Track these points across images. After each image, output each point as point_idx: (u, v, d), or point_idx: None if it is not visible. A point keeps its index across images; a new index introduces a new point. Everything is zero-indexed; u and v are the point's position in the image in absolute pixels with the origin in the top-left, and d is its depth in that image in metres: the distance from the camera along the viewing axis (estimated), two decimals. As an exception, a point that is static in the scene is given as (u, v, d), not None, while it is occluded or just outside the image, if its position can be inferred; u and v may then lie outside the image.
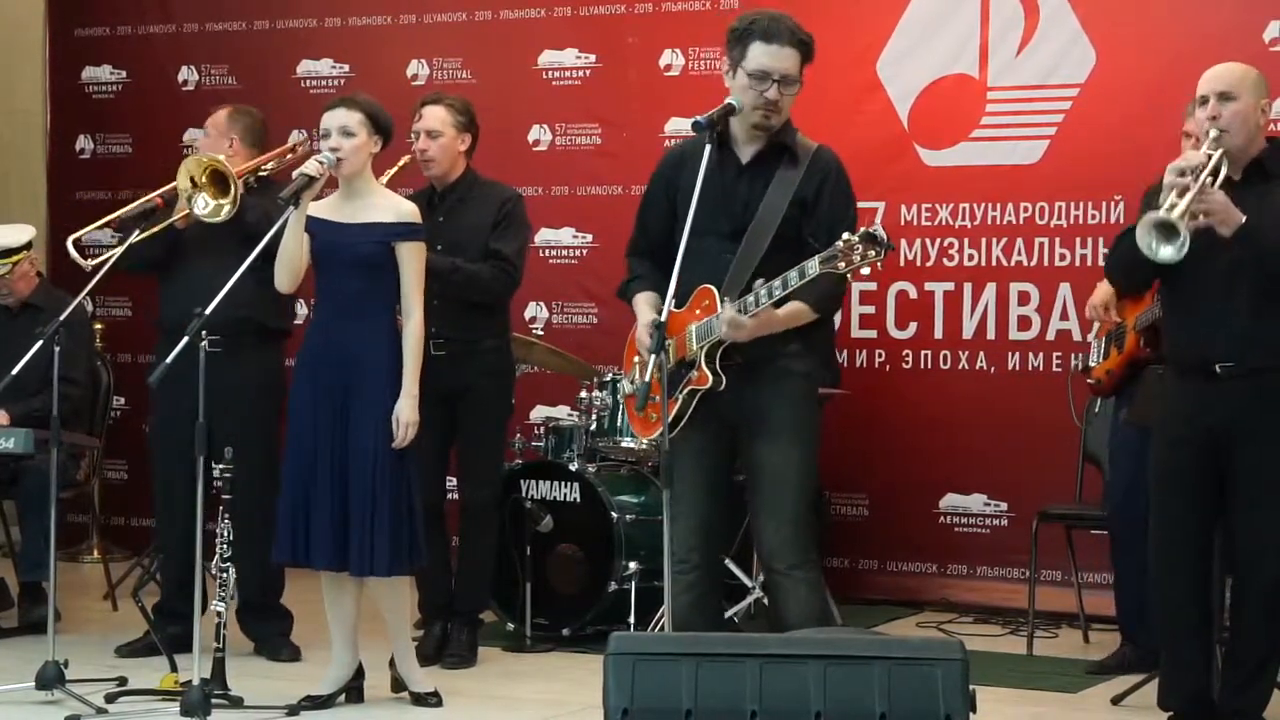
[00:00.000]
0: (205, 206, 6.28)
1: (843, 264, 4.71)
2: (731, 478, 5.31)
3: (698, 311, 5.03)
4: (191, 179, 6.26)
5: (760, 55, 4.98)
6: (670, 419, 5.01)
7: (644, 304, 5.15)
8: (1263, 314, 5.16)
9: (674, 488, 4.76)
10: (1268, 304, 5.16)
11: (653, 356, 4.69)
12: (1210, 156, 5.08)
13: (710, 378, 4.99)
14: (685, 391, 5.03)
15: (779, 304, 4.93)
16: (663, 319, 4.75)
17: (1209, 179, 5.02)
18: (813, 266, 4.76)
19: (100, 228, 6.73)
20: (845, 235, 4.71)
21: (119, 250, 6.37)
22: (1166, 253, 4.94)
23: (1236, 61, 5.33)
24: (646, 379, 4.68)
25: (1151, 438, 5.56)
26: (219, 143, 6.68)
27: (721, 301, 4.95)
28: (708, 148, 4.93)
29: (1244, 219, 5.04)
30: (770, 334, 4.96)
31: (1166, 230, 4.94)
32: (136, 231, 6.42)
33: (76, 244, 6.52)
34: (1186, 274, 5.11)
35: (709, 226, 5.00)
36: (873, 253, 4.67)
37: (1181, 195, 4.99)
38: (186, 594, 5.76)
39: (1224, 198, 5.04)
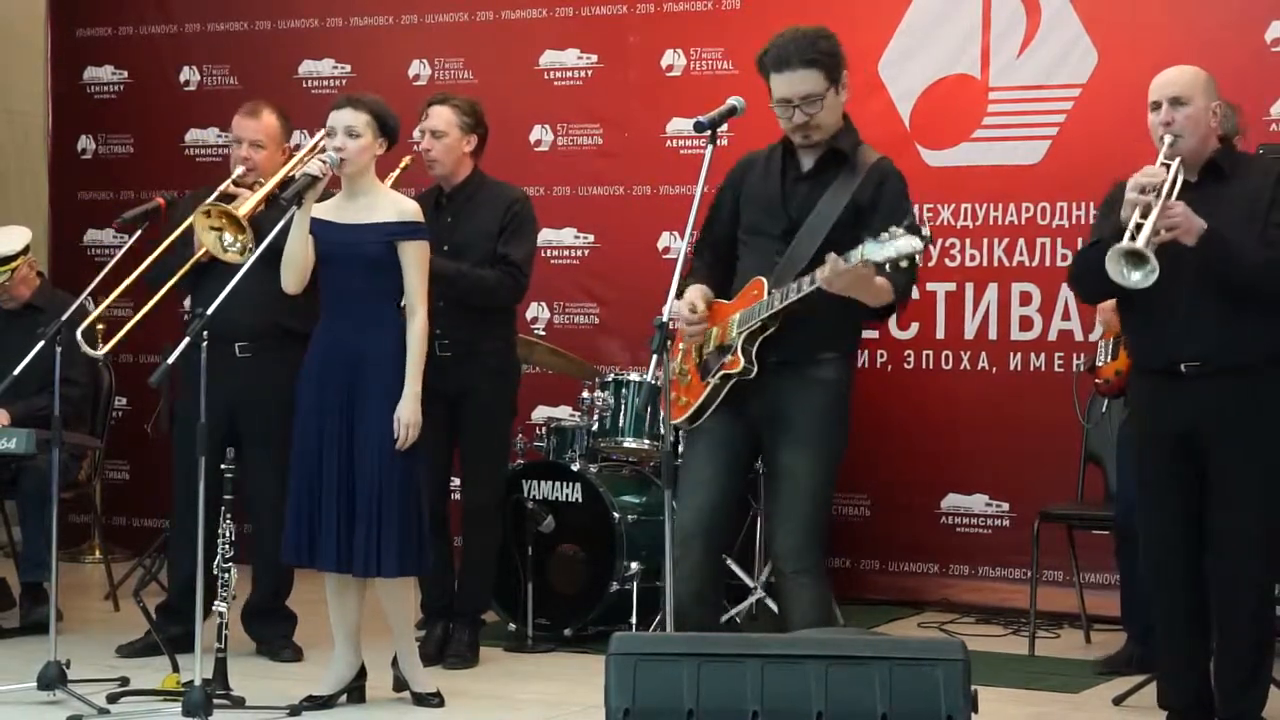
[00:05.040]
0: (234, 243, 6.23)
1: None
2: (746, 474, 5.34)
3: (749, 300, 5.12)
4: (213, 229, 6.22)
5: (777, 85, 5.11)
6: (700, 402, 5.12)
7: (693, 291, 5.23)
8: (1228, 314, 5.15)
9: (687, 472, 4.80)
10: (1233, 305, 5.15)
11: (654, 356, 4.73)
12: (1169, 167, 5.11)
13: (742, 361, 5.04)
14: (719, 376, 5.09)
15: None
16: (664, 319, 4.78)
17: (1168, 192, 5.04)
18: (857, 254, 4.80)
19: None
20: (892, 227, 4.77)
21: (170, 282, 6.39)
22: (1137, 278, 4.98)
23: (1188, 65, 5.36)
24: (647, 378, 4.74)
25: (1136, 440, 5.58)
26: (275, 155, 6.61)
27: (769, 292, 5.01)
28: (767, 149, 5.14)
29: (1205, 226, 5.05)
30: (807, 336, 5.02)
31: (1136, 258, 4.96)
32: (138, 231, 6.41)
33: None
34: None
35: (762, 226, 5.15)
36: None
37: (1145, 215, 5.00)
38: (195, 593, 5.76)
39: (1184, 209, 5.05)
